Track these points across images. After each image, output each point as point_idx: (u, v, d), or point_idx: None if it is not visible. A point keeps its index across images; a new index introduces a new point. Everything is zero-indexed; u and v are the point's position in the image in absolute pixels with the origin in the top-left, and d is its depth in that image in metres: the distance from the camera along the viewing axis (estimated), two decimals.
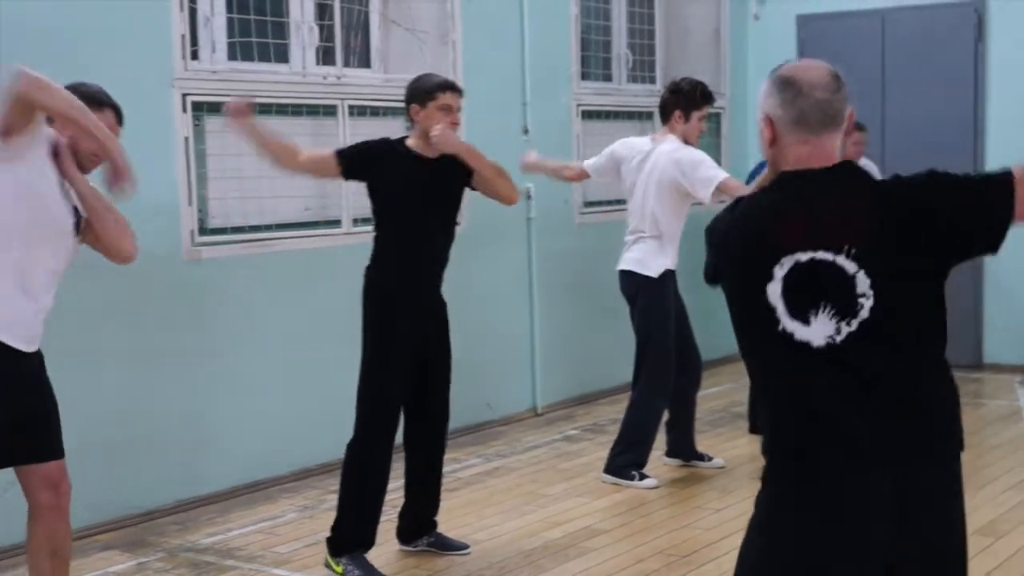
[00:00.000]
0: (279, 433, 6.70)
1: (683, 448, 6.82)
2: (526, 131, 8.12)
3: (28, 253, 3.92)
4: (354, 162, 5.18)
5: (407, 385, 5.24)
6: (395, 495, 5.45)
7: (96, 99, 4.13)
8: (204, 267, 6.35)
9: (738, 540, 2.80)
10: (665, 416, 6.72)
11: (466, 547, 5.54)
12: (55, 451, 4.13)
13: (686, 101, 6.40)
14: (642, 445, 6.51)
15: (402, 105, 5.36)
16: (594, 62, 9.10)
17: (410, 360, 5.21)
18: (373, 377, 5.16)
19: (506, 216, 7.96)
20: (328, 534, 5.24)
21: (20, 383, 3.98)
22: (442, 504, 5.64)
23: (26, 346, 3.98)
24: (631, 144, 6.61)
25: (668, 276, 6.44)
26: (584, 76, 8.82)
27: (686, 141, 6.39)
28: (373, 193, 5.20)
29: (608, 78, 9.19)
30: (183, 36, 6.22)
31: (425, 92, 5.18)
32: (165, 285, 6.19)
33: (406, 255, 5.19)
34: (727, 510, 6.01)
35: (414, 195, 5.15)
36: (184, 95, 6.23)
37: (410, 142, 5.24)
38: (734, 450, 7.11)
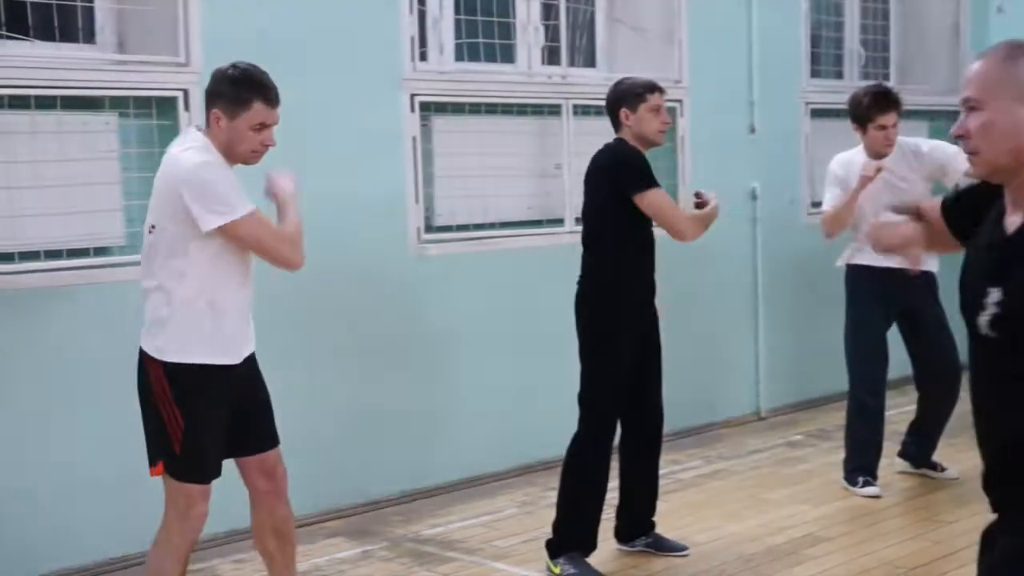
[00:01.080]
0: (500, 429, 6.77)
1: (917, 453, 6.60)
2: (752, 130, 8.00)
3: (244, 289, 4.14)
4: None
5: (632, 383, 5.25)
6: (612, 495, 5.44)
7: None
8: (430, 264, 6.45)
9: (971, 555, 2.60)
10: (911, 417, 6.56)
11: (684, 549, 5.49)
12: (269, 441, 4.27)
13: (854, 110, 6.20)
14: (856, 447, 6.37)
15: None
16: (824, 59, 8.91)
17: (632, 360, 5.21)
18: (598, 377, 5.16)
19: (731, 217, 7.87)
20: (549, 534, 5.26)
21: (235, 389, 4.15)
22: (662, 505, 5.61)
23: (236, 360, 4.14)
24: (844, 161, 6.38)
25: (862, 270, 6.25)
26: (814, 73, 8.63)
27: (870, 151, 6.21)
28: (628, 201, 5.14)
29: (839, 75, 8.98)
30: (412, 37, 6.33)
31: (635, 95, 5.18)
32: (392, 282, 6.33)
33: (642, 259, 5.18)
34: (960, 523, 5.78)
35: None
36: (412, 95, 6.35)
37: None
38: (969, 462, 6.83)
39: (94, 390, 5.29)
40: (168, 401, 4.03)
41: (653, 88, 5.21)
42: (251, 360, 4.22)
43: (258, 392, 4.25)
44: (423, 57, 6.52)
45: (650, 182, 5.08)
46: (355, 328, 6.17)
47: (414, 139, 6.36)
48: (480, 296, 6.69)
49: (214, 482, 4.25)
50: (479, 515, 6.12)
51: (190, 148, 4.01)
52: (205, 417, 4.06)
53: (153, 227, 4.04)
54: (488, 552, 5.57)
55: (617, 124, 5.24)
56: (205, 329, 4.02)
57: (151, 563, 4.16)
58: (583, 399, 5.19)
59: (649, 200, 5.05)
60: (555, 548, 5.21)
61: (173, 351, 4.02)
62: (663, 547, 5.49)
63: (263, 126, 4.05)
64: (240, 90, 4.03)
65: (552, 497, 5.38)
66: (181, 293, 4.00)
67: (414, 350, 6.43)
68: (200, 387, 4.04)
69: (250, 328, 4.21)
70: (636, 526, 5.51)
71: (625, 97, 5.19)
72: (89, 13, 5.68)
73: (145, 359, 4.07)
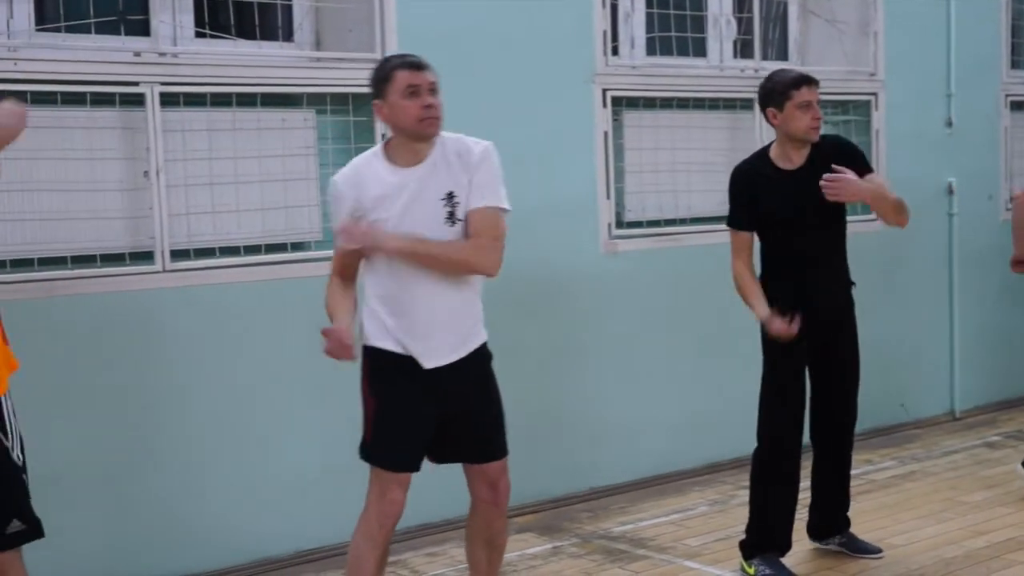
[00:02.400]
0: (690, 426, 6.73)
1: None
2: (950, 124, 7.80)
3: (425, 297, 4.09)
4: (746, 221, 5.06)
5: (813, 385, 5.15)
6: (805, 493, 5.35)
7: None
8: (620, 260, 6.44)
9: None
10: None
11: (879, 551, 5.36)
12: (494, 453, 4.25)
13: None
14: None
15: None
16: None
17: (812, 363, 5.09)
18: (769, 385, 5.08)
19: (927, 212, 7.69)
20: (741, 533, 5.21)
21: (439, 393, 4.11)
22: (857, 506, 5.51)
23: (419, 357, 4.10)
24: None
25: None
26: (1014, 64, 8.37)
27: None
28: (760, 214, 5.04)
29: None
30: (604, 32, 6.32)
31: (780, 93, 4.89)
32: (583, 278, 6.32)
33: (791, 265, 4.98)
34: None
35: (787, 211, 4.95)
36: (604, 90, 6.34)
37: (773, 153, 5.02)
38: None
39: (298, 383, 5.42)
40: (365, 383, 4.14)
41: (799, 83, 4.90)
42: (462, 372, 4.15)
43: (472, 403, 4.19)
44: (615, 52, 6.51)
45: (730, 220, 5.13)
46: (546, 325, 6.18)
47: (606, 134, 6.35)
48: (670, 292, 6.65)
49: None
50: (669, 513, 6.09)
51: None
52: (392, 403, 4.11)
53: None
54: (680, 550, 5.53)
55: (769, 124, 5.03)
56: (384, 321, 4.09)
57: (351, 546, 4.23)
58: (759, 403, 5.12)
59: None
60: (749, 549, 5.15)
61: (366, 335, 4.14)
62: (856, 548, 5.38)
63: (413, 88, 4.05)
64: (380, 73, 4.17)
65: (743, 495, 5.32)
66: (368, 286, 4.13)
67: (603, 347, 6.42)
68: (387, 372, 4.11)
69: (451, 337, 4.13)
70: (828, 524, 5.42)
71: (771, 96, 4.92)
72: (288, 11, 5.81)
73: None
